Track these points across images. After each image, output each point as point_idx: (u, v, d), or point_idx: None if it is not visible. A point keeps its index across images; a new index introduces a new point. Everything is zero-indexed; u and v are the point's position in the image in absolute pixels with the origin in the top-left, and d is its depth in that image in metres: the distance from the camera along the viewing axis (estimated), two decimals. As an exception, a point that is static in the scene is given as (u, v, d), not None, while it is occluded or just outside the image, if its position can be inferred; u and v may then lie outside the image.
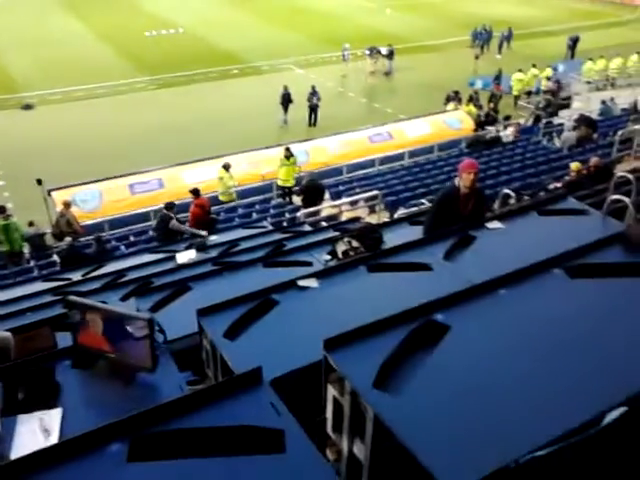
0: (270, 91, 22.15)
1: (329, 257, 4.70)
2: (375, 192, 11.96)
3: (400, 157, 17.11)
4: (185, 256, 6.99)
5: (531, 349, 2.49)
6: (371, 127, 18.81)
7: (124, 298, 5.10)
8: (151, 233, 12.13)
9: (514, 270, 2.97)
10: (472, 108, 20.61)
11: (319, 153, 17.14)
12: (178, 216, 10.69)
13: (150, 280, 5.74)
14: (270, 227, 9.20)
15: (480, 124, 19.28)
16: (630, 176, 7.73)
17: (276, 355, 2.88)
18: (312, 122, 21.64)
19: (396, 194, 12.58)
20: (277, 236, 7.46)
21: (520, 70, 23.42)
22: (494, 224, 4.13)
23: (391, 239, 4.83)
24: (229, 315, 3.29)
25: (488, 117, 19.72)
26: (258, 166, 15.97)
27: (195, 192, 11.08)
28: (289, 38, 31.44)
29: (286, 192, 14.95)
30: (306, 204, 12.43)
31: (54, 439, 2.44)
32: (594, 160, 9.85)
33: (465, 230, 4.09)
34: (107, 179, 15.00)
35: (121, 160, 17.04)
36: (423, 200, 10.89)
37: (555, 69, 25.43)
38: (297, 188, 14.16)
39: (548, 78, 23.39)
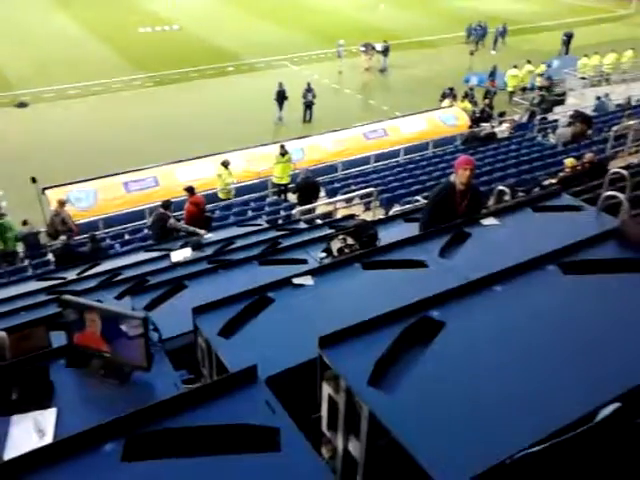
0: (265, 88, 22.13)
1: (324, 254, 4.69)
2: (370, 189, 11.97)
3: (395, 154, 17.10)
4: (180, 254, 6.97)
5: (526, 345, 2.49)
6: (366, 124, 18.81)
7: (119, 297, 5.10)
8: (146, 231, 12.10)
9: (509, 266, 2.97)
10: (467, 104, 20.63)
11: (314, 150, 17.12)
12: (174, 214, 10.66)
13: (145, 278, 5.73)
14: (265, 225, 9.19)
15: (475, 120, 19.30)
16: (624, 172, 7.75)
17: (271, 353, 2.87)
18: (307, 119, 21.62)
19: (391, 191, 12.60)
20: (272, 234, 7.45)
21: (515, 66, 23.46)
22: (489, 220, 4.13)
23: (386, 236, 4.82)
24: (224, 313, 3.28)
25: (483, 113, 19.74)
26: (253, 163, 15.94)
27: (190, 190, 11.05)
28: (284, 35, 31.39)
29: (281, 189, 14.93)
30: (301, 201, 12.43)
31: (48, 439, 2.43)
32: (588, 156, 9.86)
33: (460, 227, 4.09)
34: (102, 177, 14.94)
35: (116, 158, 16.97)
36: (418, 197, 10.90)
37: (549, 65, 25.46)
38: (292, 185, 14.15)
39: (540, 74, 23.43)
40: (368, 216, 10.67)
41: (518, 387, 2.24)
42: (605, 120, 16.50)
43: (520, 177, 12.16)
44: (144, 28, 32.11)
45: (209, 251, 7.22)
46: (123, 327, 2.77)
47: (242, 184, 14.96)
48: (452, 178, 5.42)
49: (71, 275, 7.75)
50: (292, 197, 14.11)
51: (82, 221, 13.28)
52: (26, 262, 11.65)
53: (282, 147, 14.64)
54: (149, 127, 20.23)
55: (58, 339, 3.19)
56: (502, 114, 19.90)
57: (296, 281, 3.60)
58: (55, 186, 14.22)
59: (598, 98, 19.55)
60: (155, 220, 10.61)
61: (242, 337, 3.13)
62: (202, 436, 2.20)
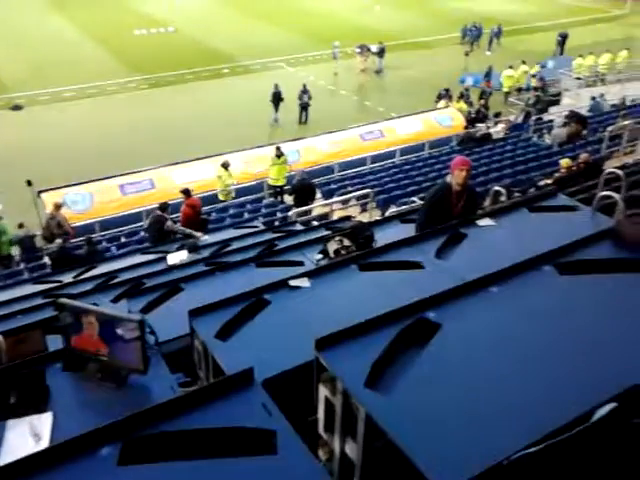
0: (261, 90, 22.11)
1: (321, 256, 4.69)
2: (367, 190, 11.97)
3: (391, 155, 17.12)
4: (176, 257, 6.96)
5: (522, 346, 2.50)
6: (362, 125, 18.82)
7: (115, 300, 5.08)
8: (142, 234, 12.07)
9: (505, 267, 2.97)
10: (463, 105, 20.67)
11: (310, 152, 17.12)
12: (171, 216, 10.65)
13: (142, 281, 5.71)
14: (262, 227, 9.19)
15: (471, 121, 19.34)
16: (620, 172, 7.76)
17: (268, 355, 2.86)
18: (303, 120, 21.63)
19: (387, 192, 12.60)
20: (269, 236, 7.45)
21: (510, 67, 23.51)
22: (485, 221, 4.14)
23: (382, 237, 4.83)
24: (221, 316, 3.28)
25: (479, 114, 19.79)
26: (251, 165, 15.94)
27: (186, 192, 11.03)
28: (280, 36, 31.40)
29: (277, 191, 14.93)
30: (297, 203, 12.42)
31: (45, 444, 2.42)
32: (584, 156, 9.88)
33: (456, 227, 4.10)
34: (98, 180, 14.92)
35: (111, 160, 16.96)
36: (414, 198, 10.91)
37: (544, 66, 25.53)
38: (288, 187, 14.16)
39: (533, 75, 23.51)
40: (364, 217, 10.68)
41: (514, 388, 2.25)
42: (600, 120, 16.54)
43: (516, 177, 12.18)
44: (139, 30, 32.10)
45: (205, 253, 7.21)
46: (119, 330, 2.76)
47: (238, 186, 14.96)
48: (448, 179, 5.43)
49: (67, 278, 7.72)
50: (288, 199, 14.12)
51: (78, 224, 13.26)
52: (22, 265, 11.61)
53: (278, 149, 14.64)
54: (145, 129, 20.21)
55: (54, 343, 3.18)
56: (497, 115, 19.94)
57: (293, 283, 3.60)
58: (51, 189, 14.20)
59: (593, 98, 19.59)
60: (152, 222, 10.59)
61: (239, 339, 3.13)
62: (199, 439, 2.20)
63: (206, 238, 9.04)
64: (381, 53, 26.94)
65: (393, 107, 21.74)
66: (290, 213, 11.12)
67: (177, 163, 15.88)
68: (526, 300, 2.83)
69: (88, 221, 13.62)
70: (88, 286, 6.38)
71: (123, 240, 12.27)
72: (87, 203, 14.41)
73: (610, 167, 9.07)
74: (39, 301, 6.14)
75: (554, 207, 4.17)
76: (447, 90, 21.53)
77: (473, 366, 2.39)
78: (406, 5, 38.91)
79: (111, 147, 18.54)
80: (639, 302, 2.78)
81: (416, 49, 30.14)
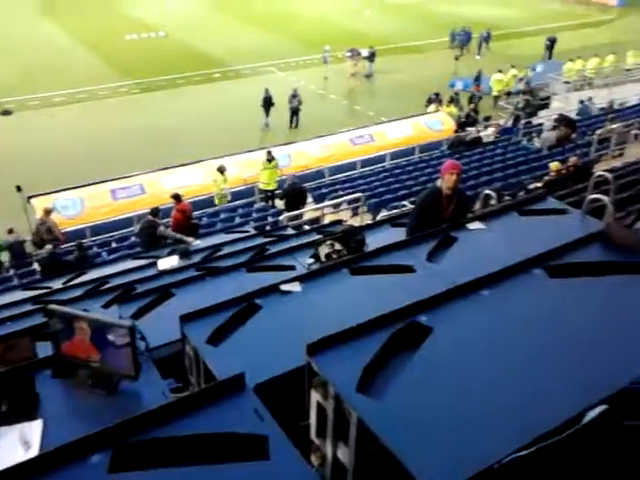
0: (251, 94, 22.13)
1: (312, 260, 4.69)
2: (358, 194, 11.99)
3: (382, 159, 17.17)
4: (167, 262, 6.94)
5: (513, 349, 2.50)
6: (353, 129, 18.86)
7: (106, 305, 5.06)
8: (133, 239, 12.02)
9: (496, 270, 2.98)
10: (453, 109, 20.78)
11: (301, 156, 17.15)
12: (162, 222, 10.61)
13: (132, 287, 5.69)
14: (253, 231, 9.18)
15: (461, 125, 19.44)
16: (608, 175, 7.83)
17: (259, 360, 2.86)
18: (293, 125, 21.65)
19: (378, 196, 12.63)
20: (260, 240, 7.44)
21: (500, 71, 23.66)
22: (475, 225, 4.15)
23: (374, 241, 4.83)
24: (212, 321, 3.27)
25: (469, 118, 19.89)
26: (240, 170, 15.93)
27: (176, 197, 10.99)
28: (270, 41, 31.41)
29: (268, 195, 14.93)
30: (288, 207, 12.43)
31: (34, 451, 2.40)
32: (573, 160, 9.96)
33: (447, 231, 4.11)
34: (88, 185, 14.86)
35: (102, 165, 16.89)
36: (405, 202, 10.94)
37: (533, 69, 25.72)
38: (279, 191, 14.16)
39: (520, 79, 23.67)
40: (355, 221, 10.69)
41: (505, 391, 2.25)
42: (589, 124, 16.68)
43: (506, 181, 12.24)
44: (130, 35, 32.04)
45: (196, 258, 7.19)
46: (110, 336, 2.75)
47: (231, 190, 14.95)
48: (438, 183, 5.45)
49: (57, 284, 7.68)
50: (279, 203, 14.12)
51: (69, 229, 13.20)
52: (11, 272, 11.52)
53: (269, 153, 14.64)
54: (135, 134, 20.14)
55: (44, 349, 3.16)
56: (487, 118, 20.06)
57: (284, 288, 3.59)
58: (41, 194, 14.12)
59: (581, 102, 19.75)
60: (143, 227, 10.54)
61: (230, 345, 3.12)
62: (190, 445, 2.18)
63: (198, 243, 9.02)
64: (371, 57, 27.04)
65: (383, 111, 21.80)
66: (281, 217, 11.12)
67: (167, 168, 15.85)
68: (517, 303, 2.85)
69: (79, 226, 13.57)
70: (78, 292, 6.35)
71: (114, 245, 12.22)
72: (78, 208, 14.35)
73: (599, 170, 9.14)
74: (28, 307, 6.10)
75: (544, 210, 4.19)
76: (437, 94, 21.64)
77: (464, 370, 2.39)
78: (396, 10, 39.08)
79: (101, 152, 18.46)
80: (629, 304, 2.80)
81: (406, 53, 30.28)
